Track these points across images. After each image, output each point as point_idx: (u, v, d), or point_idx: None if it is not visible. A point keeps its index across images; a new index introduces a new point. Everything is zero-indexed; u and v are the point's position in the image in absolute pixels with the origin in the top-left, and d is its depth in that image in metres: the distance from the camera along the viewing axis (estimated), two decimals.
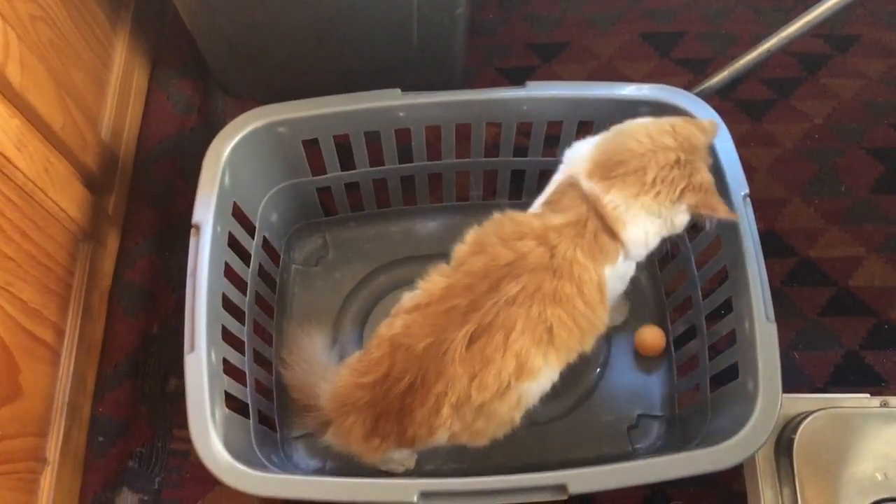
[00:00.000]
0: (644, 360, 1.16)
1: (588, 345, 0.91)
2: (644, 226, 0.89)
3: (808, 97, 1.38)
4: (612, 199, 0.87)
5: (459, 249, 0.91)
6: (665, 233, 0.91)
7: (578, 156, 0.92)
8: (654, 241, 0.91)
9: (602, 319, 0.90)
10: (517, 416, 0.92)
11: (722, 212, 0.89)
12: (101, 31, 1.24)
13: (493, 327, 0.84)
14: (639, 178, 0.87)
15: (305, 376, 1.02)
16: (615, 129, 0.93)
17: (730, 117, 1.01)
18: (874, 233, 1.27)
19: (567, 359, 0.90)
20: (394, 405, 0.88)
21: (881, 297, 1.22)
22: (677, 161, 0.88)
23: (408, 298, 0.91)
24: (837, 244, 1.27)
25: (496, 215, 0.92)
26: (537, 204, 0.95)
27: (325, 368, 1.02)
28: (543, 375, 0.88)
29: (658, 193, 0.87)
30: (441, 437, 0.90)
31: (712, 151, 0.97)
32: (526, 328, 0.84)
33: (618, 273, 0.91)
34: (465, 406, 0.86)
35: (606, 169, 0.88)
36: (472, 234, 0.92)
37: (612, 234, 0.88)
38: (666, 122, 0.91)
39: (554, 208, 0.91)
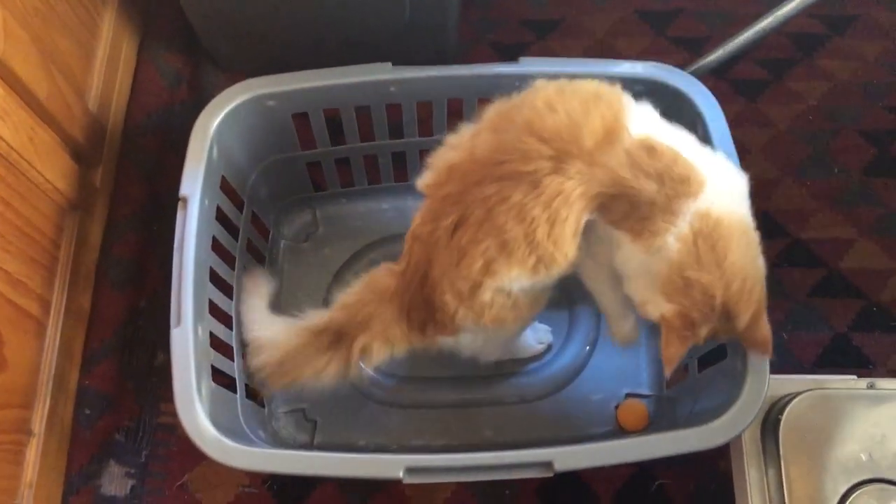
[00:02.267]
0: None
1: (548, 275, 0.85)
2: None
3: (803, 78, 1.38)
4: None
5: (486, 116, 0.86)
6: None
7: None
8: None
9: (566, 260, 0.83)
10: (510, 314, 0.89)
11: None
12: (89, 0, 1.22)
13: (470, 221, 0.82)
14: None
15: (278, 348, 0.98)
16: None
17: (724, 97, 1.01)
18: (866, 215, 1.27)
19: (531, 276, 0.84)
20: (418, 294, 0.89)
21: (871, 279, 1.22)
22: None
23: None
24: (829, 226, 1.26)
25: (551, 86, 0.84)
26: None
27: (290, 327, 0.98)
28: (508, 280, 0.84)
29: None
30: (465, 323, 0.89)
31: (706, 132, 0.97)
32: (490, 232, 0.81)
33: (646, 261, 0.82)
34: (462, 296, 0.85)
35: None
36: (503, 105, 0.86)
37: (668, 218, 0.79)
38: None
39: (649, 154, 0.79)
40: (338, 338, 0.94)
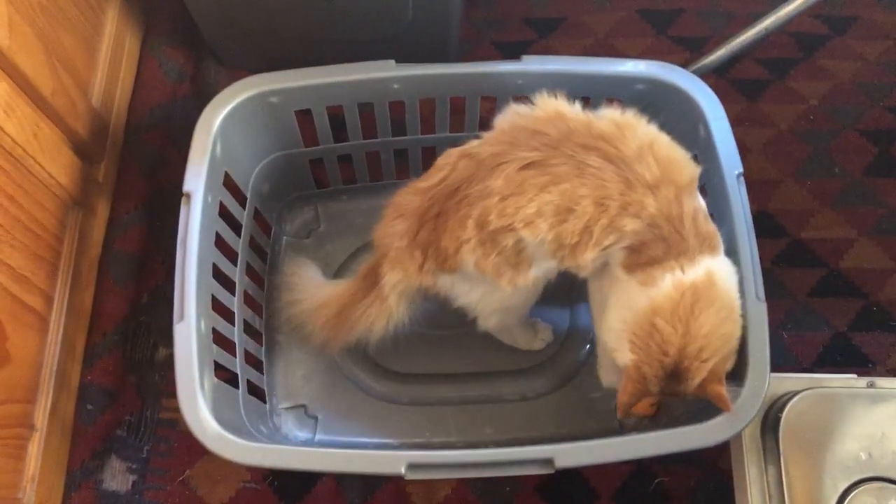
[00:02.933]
0: None
1: (558, 266, 0.90)
2: None
3: (804, 78, 1.38)
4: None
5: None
6: None
7: None
8: None
9: (579, 265, 0.87)
10: (518, 276, 0.90)
11: None
12: None
13: (546, 168, 0.83)
14: None
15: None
16: None
17: (725, 96, 1.01)
18: (866, 215, 1.27)
19: (552, 256, 0.87)
20: (433, 211, 0.89)
21: (871, 279, 1.23)
22: None
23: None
24: (829, 226, 1.27)
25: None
26: None
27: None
28: (537, 241, 0.85)
29: None
30: (467, 259, 0.88)
31: (707, 131, 0.98)
32: (564, 192, 0.83)
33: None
34: (484, 228, 0.85)
35: None
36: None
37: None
38: None
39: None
40: (374, 277, 0.96)
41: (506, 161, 0.84)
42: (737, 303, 0.86)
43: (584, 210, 0.82)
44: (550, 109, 0.88)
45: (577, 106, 0.89)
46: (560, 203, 0.83)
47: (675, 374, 0.83)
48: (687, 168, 0.86)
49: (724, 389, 0.83)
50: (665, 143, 0.86)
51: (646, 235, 0.83)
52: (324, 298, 1.03)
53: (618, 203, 0.82)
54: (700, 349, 0.82)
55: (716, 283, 0.84)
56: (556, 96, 0.89)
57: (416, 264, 0.92)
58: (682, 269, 0.83)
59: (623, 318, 0.86)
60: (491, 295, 0.95)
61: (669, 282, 0.83)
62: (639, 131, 0.85)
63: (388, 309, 0.97)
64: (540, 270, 0.91)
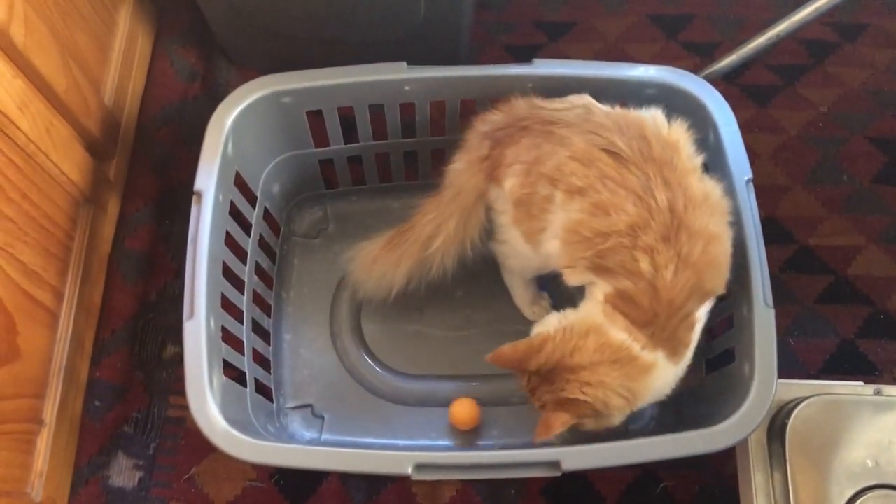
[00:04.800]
0: None
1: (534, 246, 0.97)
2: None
3: (814, 85, 1.38)
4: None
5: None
6: None
7: None
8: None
9: (540, 246, 0.95)
10: (531, 232, 0.96)
11: None
12: None
13: (622, 169, 0.87)
14: None
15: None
16: None
17: (735, 102, 1.01)
18: (874, 222, 1.27)
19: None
20: (521, 124, 0.96)
21: (879, 286, 1.23)
22: None
23: None
24: (837, 233, 1.27)
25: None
26: None
27: None
28: (562, 214, 0.90)
29: None
30: (509, 179, 0.94)
31: (717, 136, 0.98)
32: (608, 193, 0.87)
33: None
34: (536, 165, 0.92)
35: None
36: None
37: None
38: None
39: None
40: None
41: (599, 135, 0.88)
42: (641, 400, 0.89)
43: (617, 221, 0.85)
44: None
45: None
46: (605, 200, 0.85)
47: (548, 377, 0.87)
48: (718, 277, 0.88)
49: (559, 422, 0.85)
50: (718, 233, 0.88)
51: (639, 294, 0.85)
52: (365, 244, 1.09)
53: (644, 243, 0.84)
54: (585, 383, 0.85)
55: (647, 374, 0.87)
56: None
57: (481, 155, 0.97)
58: (640, 345, 0.86)
59: (568, 315, 0.91)
60: (510, 242, 1.00)
61: (622, 337, 0.86)
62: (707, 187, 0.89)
63: (446, 218, 1.01)
64: (545, 246, 0.93)
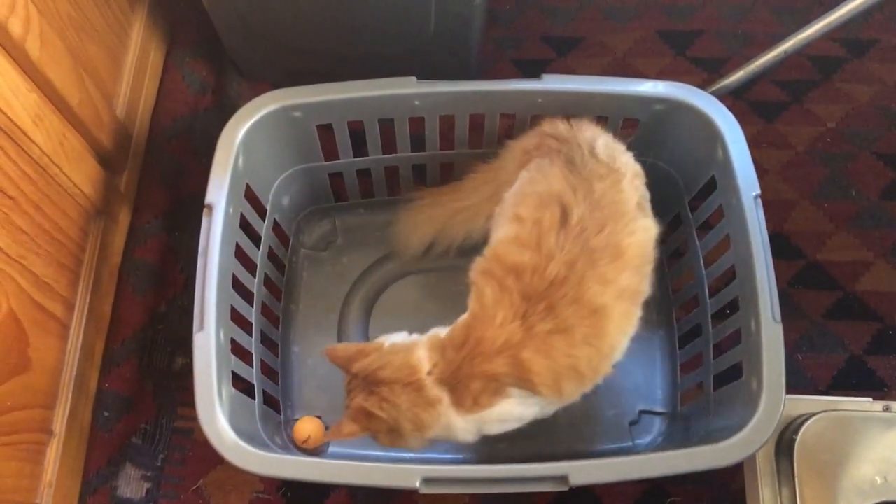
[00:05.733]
0: (648, 356, 1.16)
1: None
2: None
3: (822, 100, 1.38)
4: None
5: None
6: None
7: None
8: None
9: None
10: None
11: None
12: (120, 9, 1.24)
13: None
14: None
15: None
16: None
17: (743, 118, 1.01)
18: (882, 238, 1.27)
19: None
20: None
21: (887, 302, 1.23)
22: None
23: None
24: (845, 248, 1.27)
25: None
26: None
27: None
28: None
29: None
30: None
31: (725, 152, 0.99)
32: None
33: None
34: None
35: None
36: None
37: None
38: None
39: None
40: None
41: (569, 189, 0.89)
42: (430, 433, 0.87)
43: (516, 260, 0.86)
44: None
45: None
46: (524, 238, 0.88)
47: (363, 384, 0.87)
48: (558, 382, 0.85)
49: (347, 430, 0.87)
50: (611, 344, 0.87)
51: (461, 327, 0.87)
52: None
53: (517, 287, 0.85)
54: (383, 399, 0.85)
55: (432, 408, 0.85)
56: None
57: (527, 147, 1.00)
58: (433, 377, 0.85)
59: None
60: None
61: (418, 358, 0.87)
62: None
63: (482, 183, 1.05)
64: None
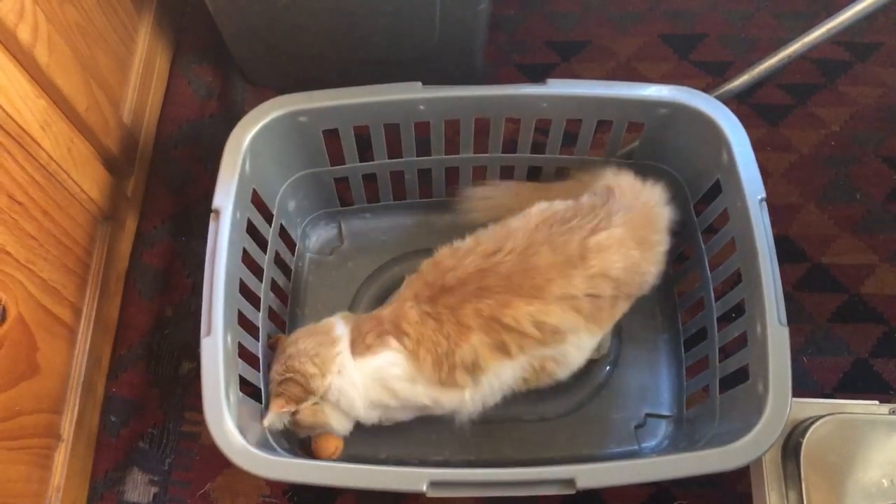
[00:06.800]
0: (653, 359, 1.17)
1: None
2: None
3: (826, 104, 1.39)
4: None
5: None
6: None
7: None
8: None
9: None
10: None
11: None
12: (126, 15, 1.25)
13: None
14: None
15: None
16: None
17: (747, 121, 1.02)
18: (887, 241, 1.27)
19: None
20: None
21: (892, 305, 1.23)
22: None
23: None
24: (850, 251, 1.27)
25: None
26: None
27: None
28: None
29: None
30: None
31: (730, 156, 0.99)
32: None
33: None
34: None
35: None
36: None
37: None
38: None
39: None
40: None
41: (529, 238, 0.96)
42: (329, 375, 0.95)
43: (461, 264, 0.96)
44: None
45: None
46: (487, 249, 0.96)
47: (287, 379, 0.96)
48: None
49: (276, 405, 0.94)
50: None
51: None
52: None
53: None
54: (289, 357, 0.97)
55: (334, 346, 0.96)
56: None
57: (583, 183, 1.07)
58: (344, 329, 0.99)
59: None
60: None
61: (333, 320, 1.01)
62: None
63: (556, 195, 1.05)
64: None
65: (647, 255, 0.96)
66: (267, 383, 1.02)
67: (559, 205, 0.98)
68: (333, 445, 1.04)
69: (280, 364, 0.97)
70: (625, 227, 0.94)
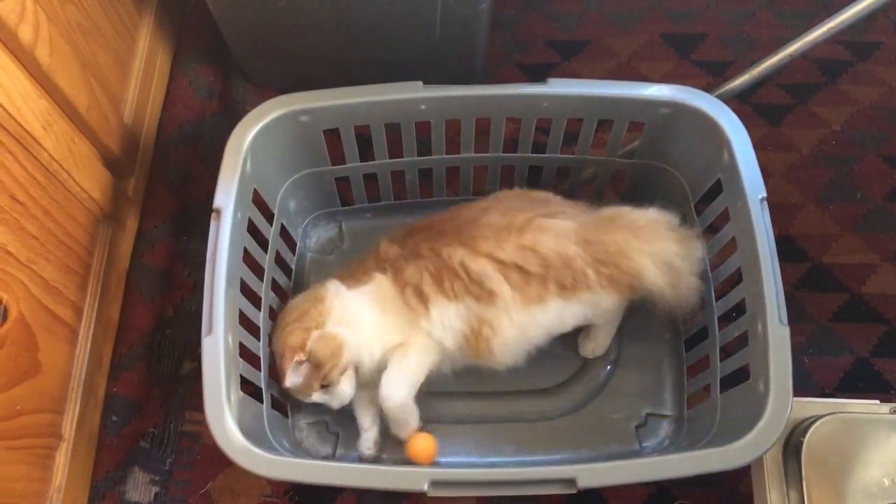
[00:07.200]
0: (654, 358, 1.17)
1: None
2: None
3: (827, 103, 1.39)
4: None
5: None
6: None
7: None
8: None
9: None
10: None
11: None
12: (127, 15, 1.25)
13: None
14: None
15: None
16: None
17: (748, 121, 1.01)
18: (888, 241, 1.27)
19: None
20: None
21: (893, 304, 1.23)
22: None
23: None
24: (851, 251, 1.27)
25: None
26: None
27: None
28: None
29: None
30: None
31: (731, 155, 0.99)
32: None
33: None
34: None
35: None
36: None
37: None
38: None
39: None
40: None
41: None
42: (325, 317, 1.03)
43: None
44: None
45: None
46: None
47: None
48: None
49: (290, 355, 0.98)
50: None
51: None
52: None
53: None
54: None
55: (323, 303, 1.04)
56: None
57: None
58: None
59: None
60: None
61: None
62: None
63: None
64: None
65: (591, 264, 0.98)
66: (268, 384, 1.03)
67: (547, 194, 1.08)
68: (431, 447, 1.04)
69: (280, 329, 1.03)
70: (580, 227, 0.98)
